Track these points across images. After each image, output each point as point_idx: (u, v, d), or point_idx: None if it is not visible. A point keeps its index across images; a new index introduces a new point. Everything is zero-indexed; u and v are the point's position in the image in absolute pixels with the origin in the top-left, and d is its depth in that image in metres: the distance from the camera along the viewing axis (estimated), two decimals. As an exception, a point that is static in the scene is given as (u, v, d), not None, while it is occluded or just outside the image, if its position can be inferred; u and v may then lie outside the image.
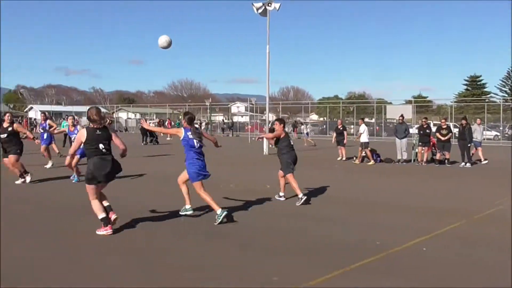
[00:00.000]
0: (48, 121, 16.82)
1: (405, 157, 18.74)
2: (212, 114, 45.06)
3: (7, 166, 11.80)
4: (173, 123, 48.52)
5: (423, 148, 18.21)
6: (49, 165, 15.53)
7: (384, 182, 13.30)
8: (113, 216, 6.89)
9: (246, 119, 68.68)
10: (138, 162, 17.38)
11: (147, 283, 4.84)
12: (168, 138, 37.08)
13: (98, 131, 6.82)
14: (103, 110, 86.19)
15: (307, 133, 34.70)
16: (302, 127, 37.09)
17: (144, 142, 30.84)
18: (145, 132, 31.19)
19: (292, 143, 9.88)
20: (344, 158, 19.78)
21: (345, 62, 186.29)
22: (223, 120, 61.38)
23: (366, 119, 29.07)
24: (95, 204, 6.79)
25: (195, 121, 8.08)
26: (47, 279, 4.93)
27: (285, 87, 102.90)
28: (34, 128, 35.51)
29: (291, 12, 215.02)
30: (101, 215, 6.75)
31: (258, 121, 51.21)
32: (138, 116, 79.83)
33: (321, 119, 71.13)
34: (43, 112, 18.89)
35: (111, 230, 6.74)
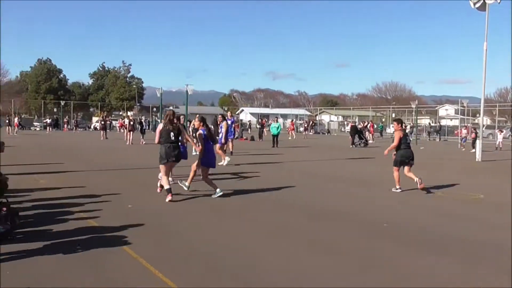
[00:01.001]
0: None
1: None
2: (417, 117, 43.00)
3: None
4: (375, 126, 47.69)
5: None
6: (225, 163, 15.85)
7: None
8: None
9: (455, 122, 64.26)
10: (336, 164, 17.36)
11: None
12: (370, 141, 36.49)
13: (171, 127, 9.29)
14: (307, 112, 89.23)
15: (464, 138, 31.11)
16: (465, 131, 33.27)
17: (354, 144, 30.85)
18: (353, 134, 31.20)
19: (408, 141, 10.95)
20: None
21: None
22: (429, 123, 58.28)
23: None
24: (164, 179, 9.20)
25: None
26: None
27: (503, 88, 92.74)
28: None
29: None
30: (167, 186, 9.07)
31: (469, 124, 47.33)
32: (340, 118, 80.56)
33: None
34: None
35: (171, 197, 8.96)
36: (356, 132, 31.72)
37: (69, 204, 8.64)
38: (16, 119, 45.21)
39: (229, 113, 18.49)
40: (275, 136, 28.29)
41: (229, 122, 18.08)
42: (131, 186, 11.16)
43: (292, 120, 48.51)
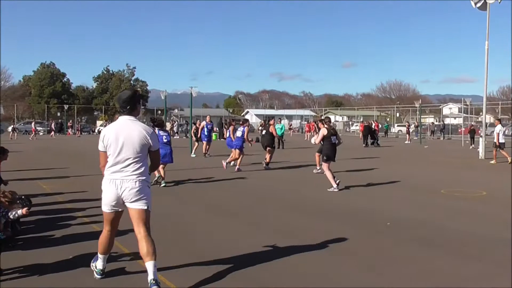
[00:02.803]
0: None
1: None
2: (421, 116, 43.00)
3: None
4: (380, 125, 47.63)
5: None
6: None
7: None
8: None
9: (459, 121, 64.15)
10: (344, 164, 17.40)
11: None
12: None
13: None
14: (312, 113, 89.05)
15: None
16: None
17: (365, 144, 31.53)
18: (367, 135, 31.99)
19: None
20: None
21: None
22: (433, 122, 58.19)
23: None
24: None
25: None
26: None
27: (506, 86, 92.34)
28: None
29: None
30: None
31: (473, 123, 47.21)
32: (345, 119, 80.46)
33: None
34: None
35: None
36: (369, 132, 32.33)
37: (72, 209, 8.70)
38: (33, 124, 45.49)
39: (207, 117, 21.78)
40: (280, 137, 28.30)
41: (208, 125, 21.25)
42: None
43: (309, 121, 48.28)
